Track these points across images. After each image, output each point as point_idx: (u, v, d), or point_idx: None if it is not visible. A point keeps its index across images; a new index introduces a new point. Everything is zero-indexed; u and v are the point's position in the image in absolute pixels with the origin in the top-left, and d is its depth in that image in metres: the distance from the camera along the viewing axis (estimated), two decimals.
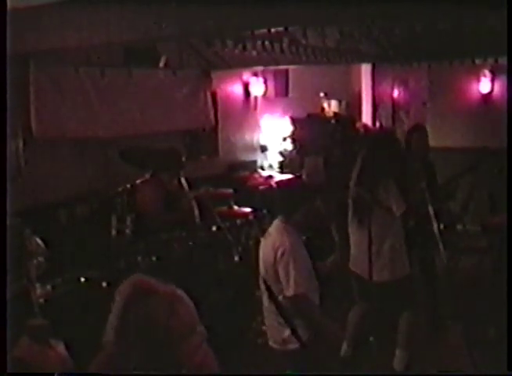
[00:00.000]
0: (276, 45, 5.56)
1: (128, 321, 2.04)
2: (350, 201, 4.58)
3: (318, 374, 3.40)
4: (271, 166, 8.45)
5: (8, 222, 3.10)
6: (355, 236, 4.61)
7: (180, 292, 2.13)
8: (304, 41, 5.43)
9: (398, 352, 4.65)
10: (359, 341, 4.73)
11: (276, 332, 3.50)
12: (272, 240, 3.49)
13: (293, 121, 8.54)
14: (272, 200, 3.73)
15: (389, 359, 4.66)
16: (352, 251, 4.61)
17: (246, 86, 8.04)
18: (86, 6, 3.87)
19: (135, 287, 2.11)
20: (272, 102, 8.40)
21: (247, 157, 8.20)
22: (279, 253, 3.37)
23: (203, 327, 2.09)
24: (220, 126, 7.68)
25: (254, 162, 8.28)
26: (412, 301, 4.57)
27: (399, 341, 4.64)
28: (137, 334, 2.02)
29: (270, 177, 7.66)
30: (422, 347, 4.89)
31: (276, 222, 3.56)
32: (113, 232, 5.29)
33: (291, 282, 3.32)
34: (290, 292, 3.33)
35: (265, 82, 8.15)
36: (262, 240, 3.69)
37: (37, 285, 4.13)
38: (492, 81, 9.16)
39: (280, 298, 3.41)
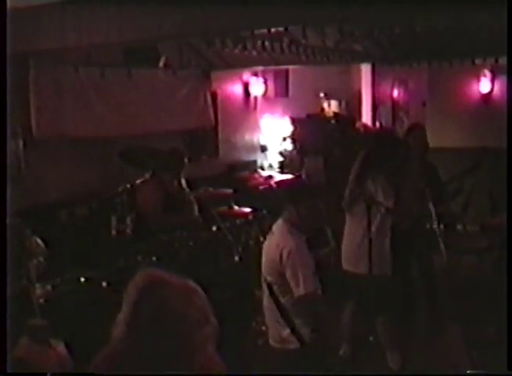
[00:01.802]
0: (276, 45, 5.56)
1: (141, 314, 2.05)
2: (346, 196, 4.57)
3: (318, 374, 3.40)
4: (271, 166, 8.45)
5: (8, 222, 3.11)
6: (348, 230, 4.61)
7: (193, 283, 2.16)
8: (304, 41, 5.42)
9: (387, 353, 4.67)
10: (357, 340, 4.73)
11: (276, 331, 3.53)
12: (276, 241, 3.50)
13: (293, 121, 8.54)
14: (272, 200, 3.74)
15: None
16: (344, 245, 4.60)
17: (246, 86, 8.04)
18: (86, 6, 3.87)
19: (149, 280, 2.13)
20: (272, 102, 8.39)
21: (247, 157, 8.19)
22: (285, 254, 3.37)
23: (215, 319, 2.11)
24: (220, 126, 7.68)
25: (254, 162, 8.28)
26: (387, 302, 4.53)
27: (382, 342, 4.64)
28: (151, 326, 2.03)
29: (270, 177, 7.66)
30: (421, 347, 4.89)
31: (279, 222, 3.58)
32: (113, 232, 5.29)
33: (301, 281, 3.33)
34: (300, 291, 3.34)
35: (265, 82, 8.15)
36: (266, 239, 3.71)
37: (37, 285, 4.13)
38: (492, 81, 9.15)
39: (287, 298, 3.41)
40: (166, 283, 2.11)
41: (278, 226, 3.57)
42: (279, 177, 7.74)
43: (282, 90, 8.47)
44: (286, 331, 3.41)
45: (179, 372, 2.06)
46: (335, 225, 4.37)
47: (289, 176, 7.86)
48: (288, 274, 3.37)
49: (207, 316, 2.09)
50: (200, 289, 2.14)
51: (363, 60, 8.49)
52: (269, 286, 3.49)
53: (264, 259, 3.58)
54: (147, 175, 5.46)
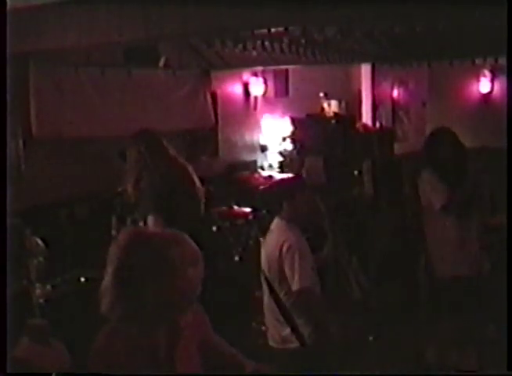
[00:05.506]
0: (276, 45, 5.55)
1: (128, 265, 2.05)
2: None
3: (318, 374, 3.40)
4: (271, 166, 8.44)
5: (8, 222, 3.10)
6: None
7: (181, 233, 2.16)
8: (304, 41, 5.42)
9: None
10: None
11: (276, 330, 3.53)
12: (276, 237, 3.53)
13: (293, 121, 8.53)
14: (272, 200, 3.75)
15: (389, 359, 4.66)
16: None
17: (246, 86, 8.03)
18: (86, 6, 3.87)
19: (132, 236, 2.14)
20: (272, 102, 8.39)
21: (247, 157, 8.19)
22: (285, 248, 3.41)
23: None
24: (220, 126, 7.67)
25: (254, 162, 8.26)
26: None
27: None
28: (140, 273, 2.02)
29: (270, 177, 7.65)
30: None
31: (277, 220, 3.60)
32: (113, 232, 5.29)
33: (297, 276, 3.35)
34: (295, 286, 3.36)
35: (265, 82, 8.14)
36: (264, 239, 3.72)
37: (37, 285, 4.13)
38: (492, 81, 9.17)
39: (284, 293, 3.43)
40: (150, 236, 2.12)
41: (276, 224, 3.60)
42: (279, 177, 7.73)
43: (282, 90, 8.46)
44: (287, 330, 3.43)
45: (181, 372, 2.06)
46: (335, 224, 4.38)
47: (289, 176, 7.85)
48: (286, 268, 3.40)
49: (197, 257, 2.11)
50: (187, 237, 2.15)
51: (363, 60, 8.49)
52: (269, 283, 3.51)
53: (263, 256, 3.61)
54: None
